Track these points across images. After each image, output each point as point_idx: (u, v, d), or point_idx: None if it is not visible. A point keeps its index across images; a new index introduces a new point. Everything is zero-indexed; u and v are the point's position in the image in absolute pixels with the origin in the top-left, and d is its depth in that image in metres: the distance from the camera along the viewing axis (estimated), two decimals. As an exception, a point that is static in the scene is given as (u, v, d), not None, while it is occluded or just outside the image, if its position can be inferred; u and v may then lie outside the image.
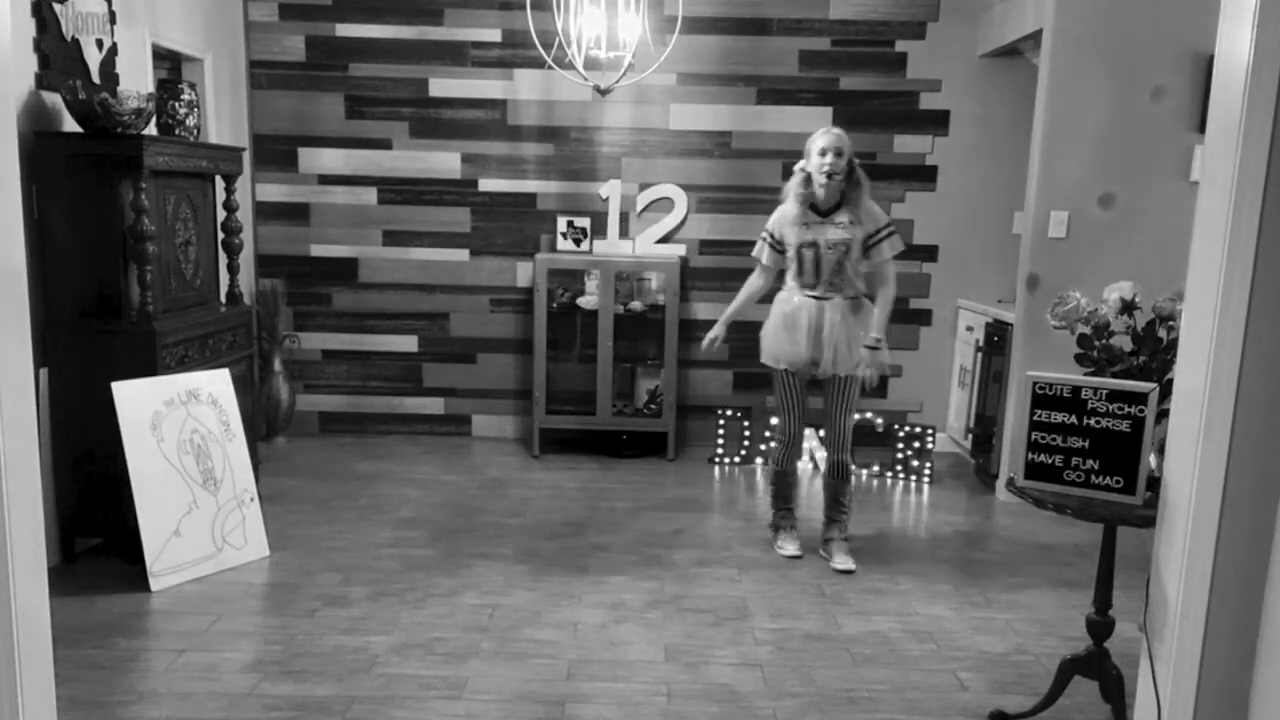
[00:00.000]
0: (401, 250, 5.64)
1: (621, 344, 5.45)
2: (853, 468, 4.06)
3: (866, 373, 3.83)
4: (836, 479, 3.99)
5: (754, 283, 4.03)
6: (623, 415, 5.49)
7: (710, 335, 4.05)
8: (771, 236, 3.91)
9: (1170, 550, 2.27)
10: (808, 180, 3.78)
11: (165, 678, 2.92)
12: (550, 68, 5.04)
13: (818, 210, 3.81)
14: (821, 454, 5.32)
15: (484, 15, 5.41)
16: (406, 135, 5.53)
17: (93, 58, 3.90)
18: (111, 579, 3.59)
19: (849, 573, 3.85)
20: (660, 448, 5.51)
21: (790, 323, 3.84)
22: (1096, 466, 2.50)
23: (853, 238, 3.77)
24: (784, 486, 4.13)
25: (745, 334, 5.64)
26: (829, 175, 3.71)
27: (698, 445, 5.68)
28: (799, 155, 5.49)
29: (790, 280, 3.90)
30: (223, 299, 4.43)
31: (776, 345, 3.89)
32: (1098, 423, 2.49)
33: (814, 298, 3.82)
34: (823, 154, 3.72)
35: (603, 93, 4.94)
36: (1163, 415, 2.45)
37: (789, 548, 4.03)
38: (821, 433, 5.31)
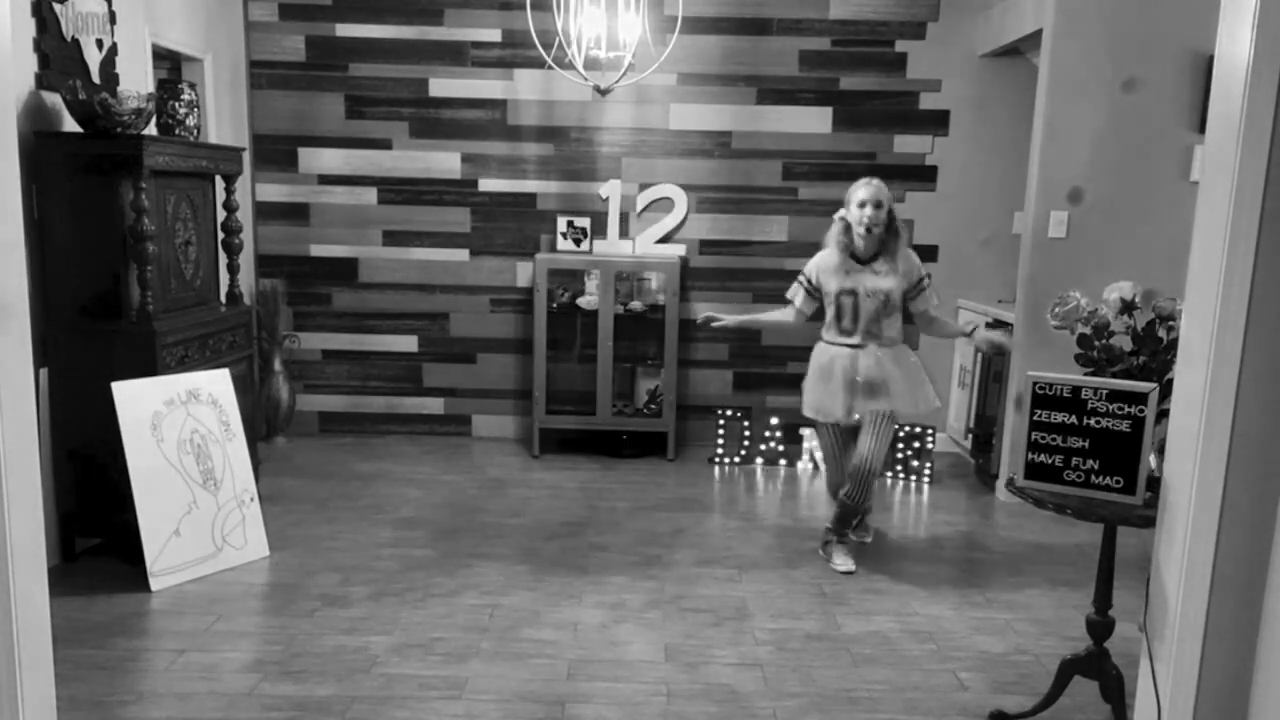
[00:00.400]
0: (401, 250, 5.64)
1: (621, 344, 5.45)
2: (866, 504, 3.97)
3: (987, 337, 4.07)
4: (853, 506, 3.89)
5: (782, 316, 4.06)
6: (623, 415, 5.49)
7: (713, 315, 4.09)
8: (809, 281, 3.94)
9: (1170, 550, 2.26)
10: (847, 229, 3.84)
11: (165, 678, 2.92)
12: (550, 68, 5.03)
13: (856, 259, 3.86)
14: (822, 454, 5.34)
15: (484, 15, 5.41)
16: (406, 135, 5.53)
17: (93, 58, 3.90)
18: (111, 579, 3.59)
19: (850, 573, 3.86)
20: (660, 448, 5.51)
21: (826, 374, 3.89)
22: (1096, 466, 2.50)
23: (893, 287, 3.83)
24: (846, 515, 3.95)
25: (744, 334, 5.67)
26: (868, 229, 3.78)
27: (698, 445, 5.68)
28: (799, 155, 5.56)
29: (826, 330, 3.94)
30: (223, 299, 4.43)
31: (816, 398, 3.92)
32: (1098, 423, 2.49)
33: (850, 346, 3.85)
34: (862, 206, 3.77)
35: (603, 93, 4.93)
36: (1163, 415, 2.45)
37: (845, 564, 3.90)
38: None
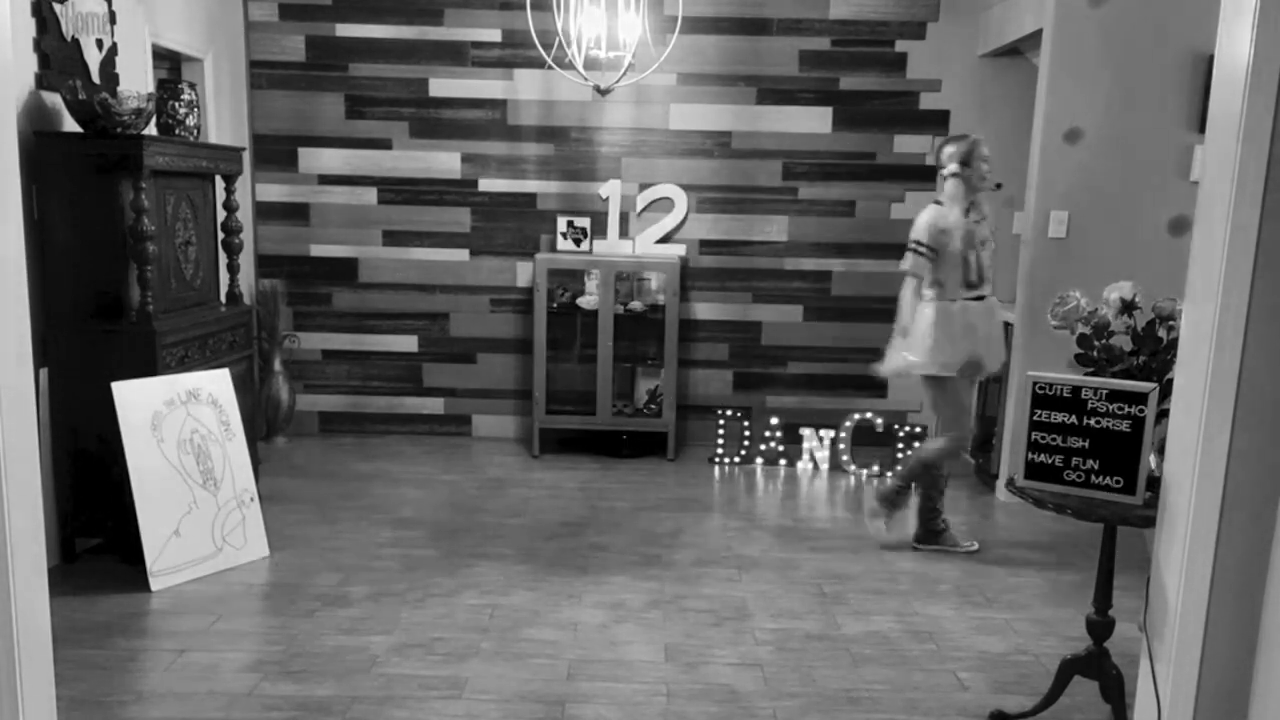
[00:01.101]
0: (401, 250, 5.64)
1: (621, 344, 5.45)
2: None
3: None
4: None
5: (912, 302, 3.99)
6: (623, 415, 5.49)
7: (899, 367, 4.08)
8: (926, 247, 3.91)
9: (1170, 550, 2.26)
10: (968, 185, 3.92)
11: (165, 678, 2.92)
12: (550, 68, 5.04)
13: (967, 214, 3.97)
14: (822, 454, 5.34)
15: (484, 15, 5.41)
16: (406, 135, 5.53)
17: (93, 58, 3.90)
18: (111, 579, 3.59)
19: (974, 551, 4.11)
20: (660, 448, 5.51)
21: (967, 331, 3.94)
22: (1096, 466, 2.50)
23: (990, 232, 4.04)
24: (938, 478, 4.16)
25: (744, 333, 5.67)
26: (997, 185, 4.03)
27: (698, 445, 5.68)
28: (799, 155, 5.56)
29: (955, 286, 3.93)
30: (223, 299, 4.43)
31: (956, 355, 3.92)
32: (1098, 423, 2.49)
33: (977, 299, 3.97)
34: (985, 160, 3.93)
35: (603, 93, 4.94)
36: (1163, 415, 2.45)
37: (966, 543, 4.13)
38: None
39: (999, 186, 4.07)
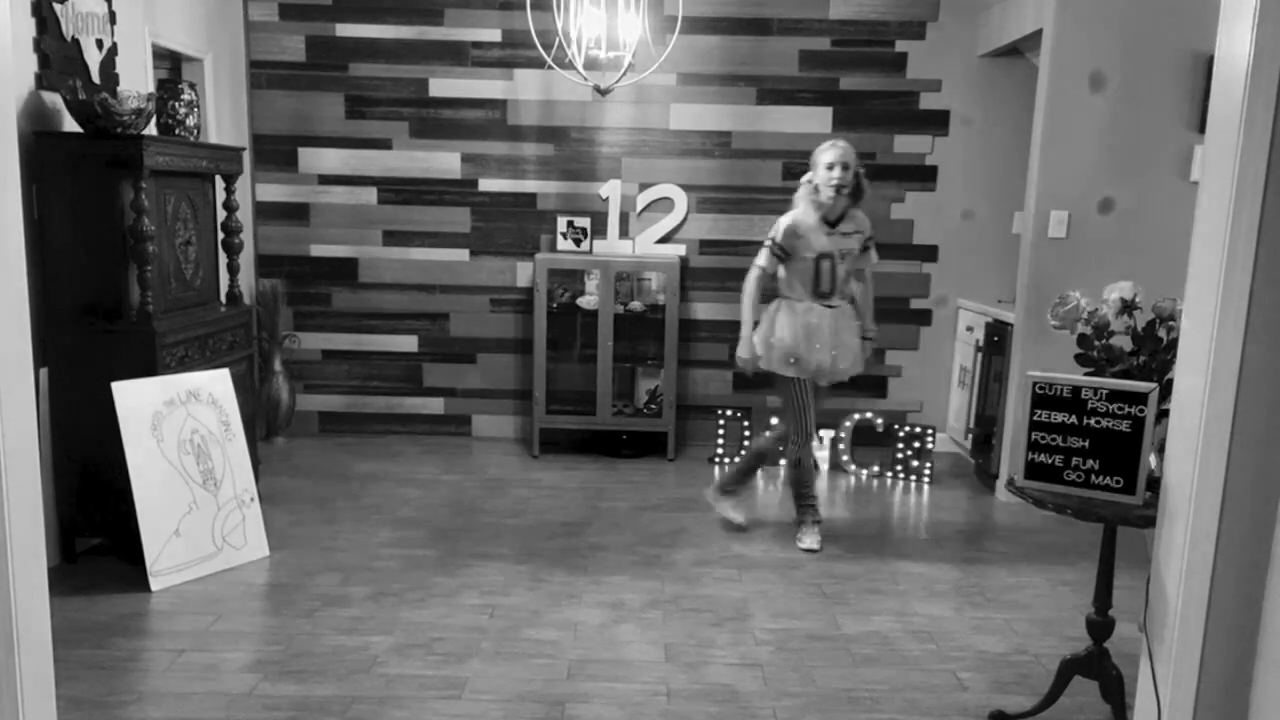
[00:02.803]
0: (401, 250, 5.64)
1: (621, 344, 5.45)
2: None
3: (863, 361, 4.14)
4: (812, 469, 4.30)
5: (756, 294, 4.03)
6: (623, 415, 5.50)
7: (751, 357, 4.06)
8: (778, 246, 3.95)
9: (1170, 550, 2.27)
10: (816, 191, 3.90)
11: (165, 678, 2.92)
12: (550, 68, 5.04)
13: (827, 221, 3.94)
14: (822, 454, 5.34)
15: (484, 15, 5.41)
16: (406, 135, 5.53)
17: (93, 58, 3.90)
18: (111, 579, 3.59)
19: (815, 551, 4.08)
20: (660, 448, 5.51)
21: (813, 333, 3.96)
22: (1096, 466, 2.50)
23: (856, 247, 4.00)
24: (805, 481, 4.23)
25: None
26: (838, 189, 3.85)
27: (698, 445, 5.68)
28: (799, 155, 5.55)
29: (798, 292, 3.99)
30: (223, 299, 4.43)
31: (801, 355, 3.97)
32: (1098, 423, 2.49)
33: (829, 307, 3.98)
34: (830, 168, 3.85)
35: (603, 93, 4.94)
36: (1163, 415, 2.45)
37: (810, 540, 4.12)
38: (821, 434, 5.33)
39: (840, 191, 3.87)
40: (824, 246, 3.91)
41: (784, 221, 3.96)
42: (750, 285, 4.02)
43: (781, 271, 4.02)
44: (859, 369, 4.14)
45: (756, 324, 4.06)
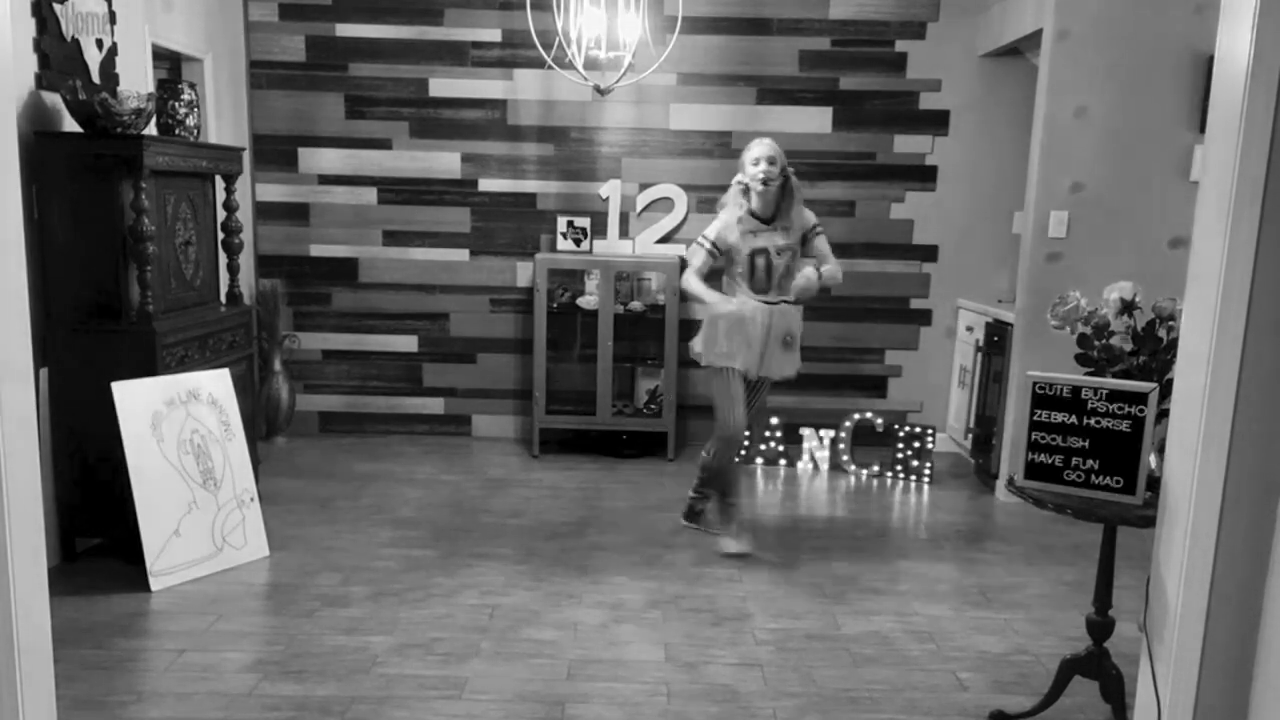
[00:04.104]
0: (401, 250, 5.64)
1: (621, 344, 5.45)
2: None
3: (801, 283, 3.82)
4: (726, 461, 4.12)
5: (695, 278, 3.94)
6: (623, 415, 5.49)
7: (730, 310, 3.91)
8: (711, 243, 3.94)
9: (1170, 550, 2.26)
10: (746, 190, 3.90)
11: (165, 678, 2.92)
12: (550, 68, 5.04)
13: (758, 218, 3.92)
14: (822, 454, 5.34)
15: (484, 15, 5.41)
16: (406, 135, 5.53)
17: (93, 58, 3.90)
18: (111, 579, 3.59)
19: (743, 555, 3.99)
20: (660, 448, 5.51)
21: (746, 326, 3.90)
22: (1096, 466, 2.50)
23: (795, 243, 3.95)
24: (730, 480, 4.17)
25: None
26: (764, 182, 3.83)
27: (698, 445, 5.66)
28: (799, 155, 5.55)
29: (740, 286, 3.95)
30: (223, 299, 4.43)
31: (731, 347, 3.93)
32: (1098, 423, 2.50)
33: (768, 303, 3.92)
34: (756, 163, 3.85)
35: (603, 93, 4.94)
36: (1163, 415, 2.45)
37: (733, 545, 4.03)
38: (819, 430, 5.33)
39: (767, 184, 3.82)
40: (755, 244, 3.89)
41: (717, 222, 3.97)
42: (688, 275, 3.95)
43: (706, 266, 3.98)
44: (787, 371, 4.03)
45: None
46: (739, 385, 3.98)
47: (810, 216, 4.02)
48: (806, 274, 3.82)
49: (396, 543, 4.06)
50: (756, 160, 3.85)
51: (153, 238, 3.63)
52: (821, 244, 4.01)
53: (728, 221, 3.94)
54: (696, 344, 4.06)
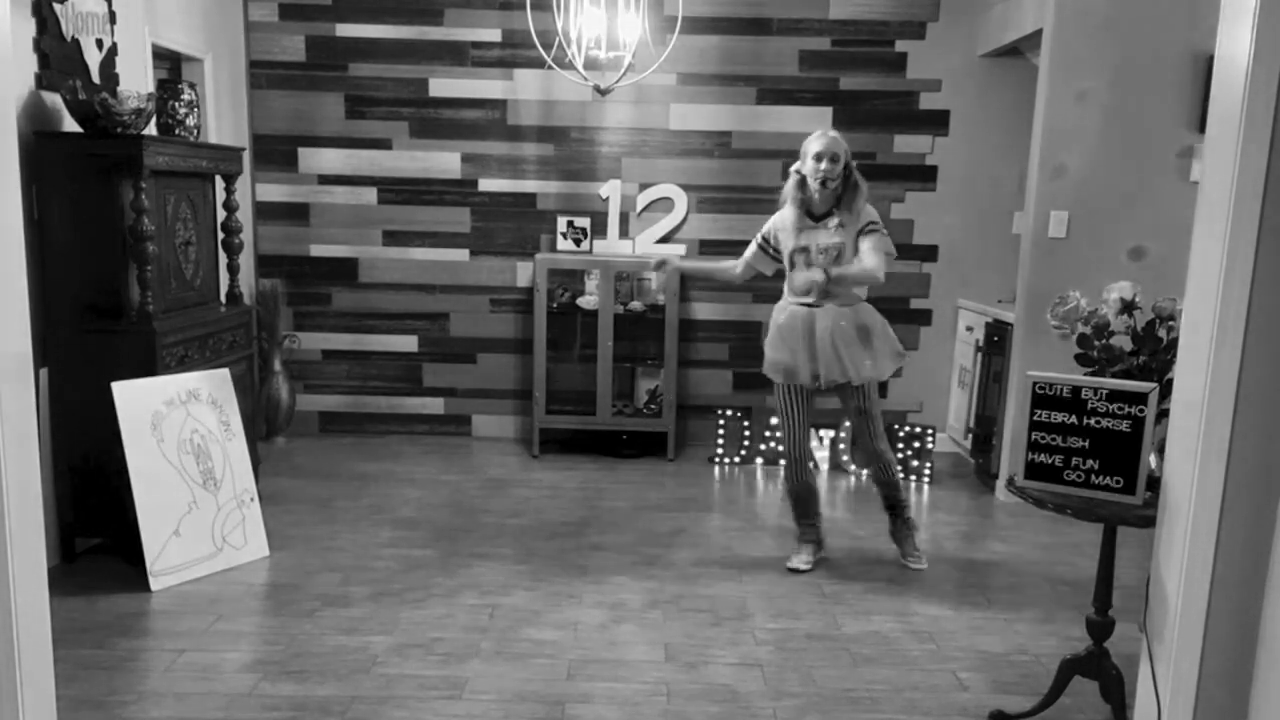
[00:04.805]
0: (401, 250, 5.64)
1: (621, 344, 5.45)
2: (895, 465, 3.96)
3: (799, 282, 3.70)
4: (880, 480, 3.93)
5: (729, 265, 3.99)
6: (623, 415, 5.49)
7: (660, 263, 4.03)
8: (765, 240, 3.87)
9: (1170, 550, 2.27)
10: (802, 183, 3.71)
11: (165, 678, 2.92)
12: (550, 68, 5.04)
13: (812, 215, 3.75)
14: (822, 454, 5.33)
15: (484, 15, 5.41)
16: (406, 135, 5.53)
17: (93, 58, 3.90)
18: (111, 579, 3.59)
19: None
20: (660, 448, 5.51)
21: (786, 333, 3.76)
22: (1096, 466, 2.50)
23: (845, 241, 3.68)
24: (797, 501, 3.96)
25: (744, 333, 5.67)
26: (823, 183, 3.64)
27: (698, 445, 5.68)
28: (799, 155, 5.54)
29: (786, 289, 3.83)
30: (223, 299, 4.43)
31: (775, 358, 3.81)
32: (1098, 423, 2.49)
33: (806, 305, 3.72)
34: (818, 159, 3.63)
35: (603, 93, 4.94)
36: (1163, 415, 2.45)
37: (795, 560, 3.88)
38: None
39: (826, 185, 3.63)
40: (799, 242, 3.72)
41: (772, 218, 3.88)
42: (727, 262, 3.97)
43: (765, 267, 3.94)
44: (876, 373, 3.76)
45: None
46: (792, 401, 3.81)
47: (869, 213, 3.73)
48: (809, 273, 3.66)
49: (396, 543, 4.06)
50: (819, 156, 3.62)
51: (153, 237, 3.63)
52: (866, 243, 3.68)
53: (782, 217, 3.80)
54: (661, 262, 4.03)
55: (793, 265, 3.75)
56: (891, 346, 3.80)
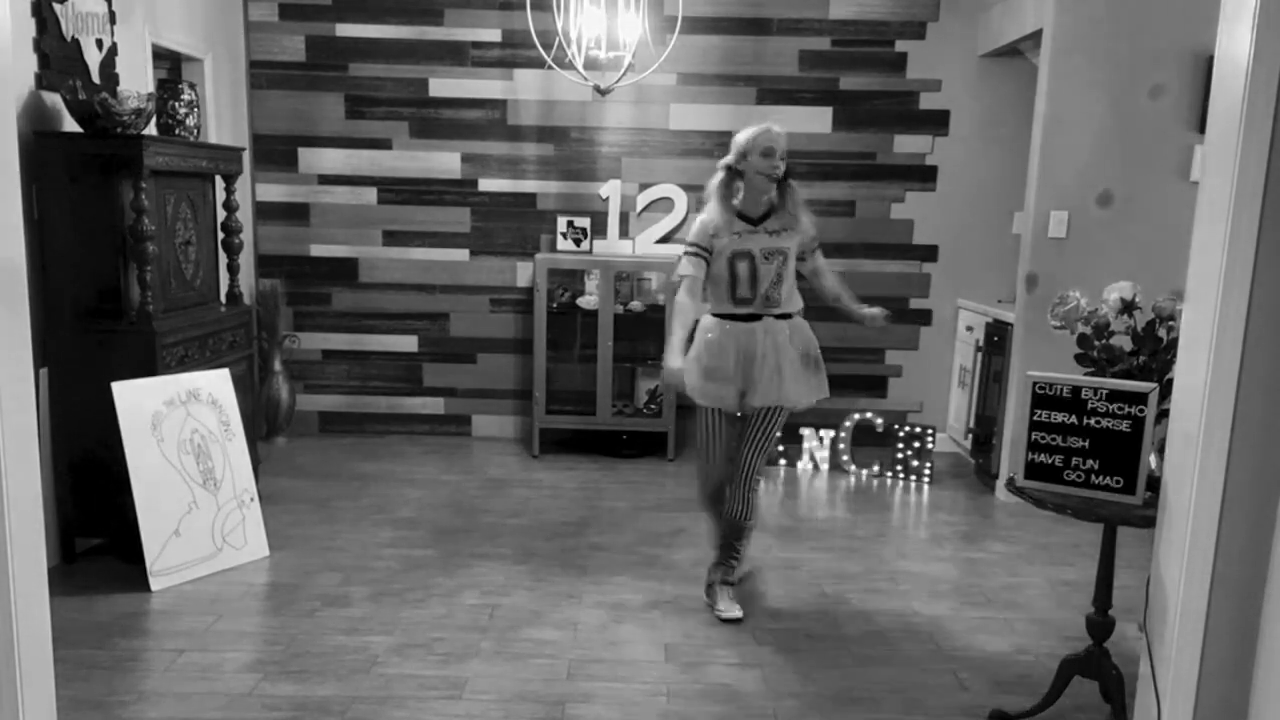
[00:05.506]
0: (401, 250, 5.64)
1: (621, 344, 5.45)
2: (759, 509, 3.56)
3: (878, 316, 3.43)
4: (736, 521, 3.46)
5: (688, 305, 3.31)
6: (623, 415, 5.49)
7: (676, 368, 3.23)
8: (699, 248, 3.33)
9: (1170, 550, 2.27)
10: (731, 180, 3.31)
11: (165, 678, 2.92)
12: (550, 68, 5.04)
13: (746, 218, 3.33)
14: (822, 454, 5.34)
15: (484, 15, 5.41)
16: (406, 135, 5.53)
17: (93, 58, 3.90)
18: (111, 579, 3.59)
19: (736, 621, 3.37)
20: (660, 448, 5.51)
21: (717, 351, 3.31)
22: (1096, 466, 2.50)
23: (789, 246, 3.31)
24: (720, 529, 3.55)
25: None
26: (775, 180, 3.28)
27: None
28: (799, 155, 5.52)
29: (716, 302, 3.35)
30: (223, 299, 4.43)
31: (700, 378, 3.31)
32: (1098, 423, 2.50)
33: (743, 318, 3.30)
34: (767, 155, 3.24)
35: (603, 93, 4.94)
36: (1163, 415, 2.45)
37: (726, 610, 3.40)
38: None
39: (775, 181, 3.30)
40: (737, 246, 3.27)
41: (698, 220, 3.39)
42: (680, 296, 3.32)
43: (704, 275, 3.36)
44: (804, 400, 3.36)
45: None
46: (715, 426, 3.40)
47: (810, 221, 3.41)
48: (874, 310, 3.38)
49: (396, 543, 4.06)
50: (769, 152, 3.23)
51: (153, 237, 3.63)
52: (823, 261, 3.46)
53: (710, 220, 3.33)
54: (672, 359, 3.26)
55: (733, 274, 3.29)
56: (823, 371, 3.45)
